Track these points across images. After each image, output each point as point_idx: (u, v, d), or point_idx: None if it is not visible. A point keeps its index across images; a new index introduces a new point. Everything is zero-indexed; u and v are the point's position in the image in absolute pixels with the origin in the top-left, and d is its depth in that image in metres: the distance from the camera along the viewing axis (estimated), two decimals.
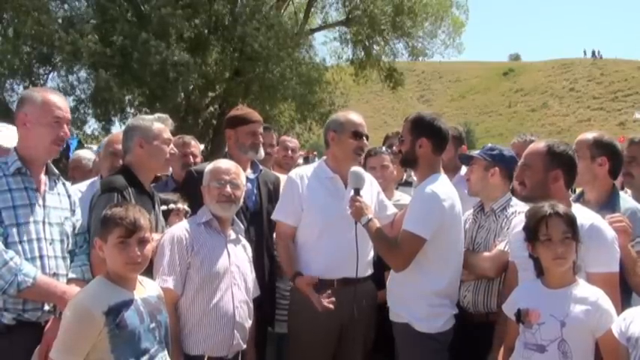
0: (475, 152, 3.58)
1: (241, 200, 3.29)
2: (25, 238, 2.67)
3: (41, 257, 2.72)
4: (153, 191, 3.28)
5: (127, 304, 2.41)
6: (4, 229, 2.62)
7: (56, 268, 2.77)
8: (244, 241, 3.37)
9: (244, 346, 3.17)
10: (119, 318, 2.35)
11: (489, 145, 3.63)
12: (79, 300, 2.39)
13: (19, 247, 2.64)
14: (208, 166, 3.32)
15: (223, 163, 3.30)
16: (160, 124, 3.22)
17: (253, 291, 3.32)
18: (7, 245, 2.61)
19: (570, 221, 2.57)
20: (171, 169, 4.26)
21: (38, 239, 2.72)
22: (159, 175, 3.89)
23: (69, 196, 2.98)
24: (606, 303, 2.49)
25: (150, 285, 2.65)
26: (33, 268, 2.64)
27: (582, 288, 2.56)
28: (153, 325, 2.49)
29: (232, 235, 3.25)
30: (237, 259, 3.20)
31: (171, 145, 3.27)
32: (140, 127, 3.19)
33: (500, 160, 3.41)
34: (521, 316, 2.61)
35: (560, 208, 2.59)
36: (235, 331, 3.08)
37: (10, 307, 2.61)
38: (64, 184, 3.01)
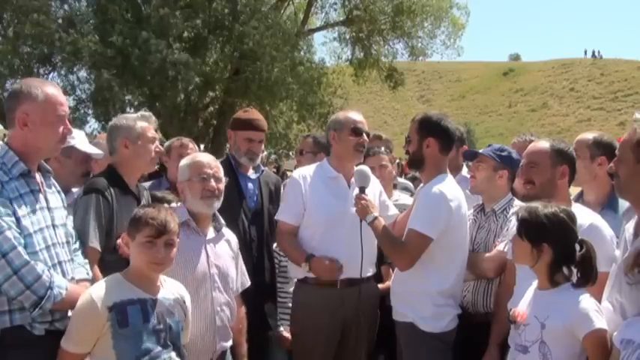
0: (482, 150, 3.55)
1: (222, 195, 3.06)
2: (43, 246, 2.46)
3: (60, 263, 2.54)
4: (139, 191, 3.20)
5: (134, 302, 2.42)
6: (24, 240, 2.38)
7: (71, 271, 2.63)
8: (227, 235, 3.14)
9: (228, 345, 3.06)
10: (121, 315, 2.38)
11: (497, 145, 3.60)
12: (89, 293, 2.44)
13: (40, 256, 2.43)
14: (185, 160, 3.11)
15: (203, 157, 3.11)
16: (143, 122, 3.15)
17: (242, 280, 3.17)
18: (28, 256, 2.38)
19: None
20: (162, 166, 4.29)
21: (53, 245, 2.53)
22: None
23: (59, 192, 2.76)
24: (589, 304, 2.39)
25: (170, 286, 2.62)
26: (62, 279, 2.48)
27: (566, 290, 2.48)
28: (160, 326, 2.47)
29: (212, 233, 3.05)
30: (218, 259, 3.01)
31: (156, 143, 3.20)
32: (123, 127, 3.13)
33: (509, 164, 3.40)
34: (509, 316, 2.59)
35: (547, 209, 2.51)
36: (217, 336, 2.95)
37: (39, 319, 2.43)
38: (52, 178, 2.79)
